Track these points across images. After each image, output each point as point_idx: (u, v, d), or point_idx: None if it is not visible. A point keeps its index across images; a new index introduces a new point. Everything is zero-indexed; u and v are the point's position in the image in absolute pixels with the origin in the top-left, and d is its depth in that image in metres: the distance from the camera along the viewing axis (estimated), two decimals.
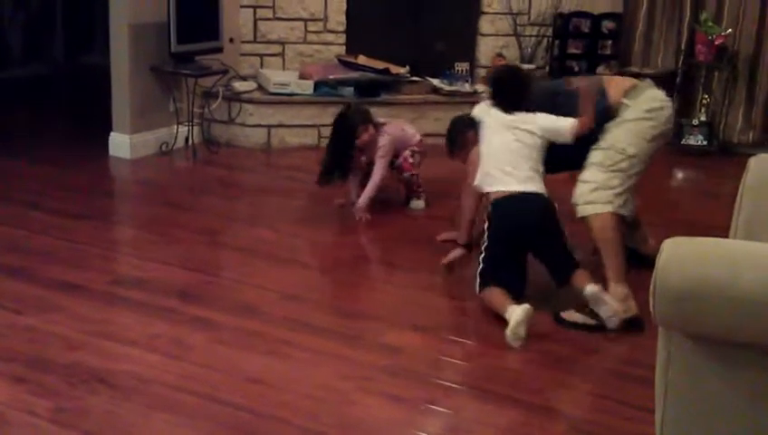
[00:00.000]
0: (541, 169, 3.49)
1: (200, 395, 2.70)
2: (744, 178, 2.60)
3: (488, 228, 3.45)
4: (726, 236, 2.56)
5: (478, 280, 3.41)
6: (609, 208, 3.39)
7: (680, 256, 1.81)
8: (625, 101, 3.48)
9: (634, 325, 3.25)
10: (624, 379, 2.96)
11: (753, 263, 1.77)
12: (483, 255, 3.43)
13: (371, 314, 3.40)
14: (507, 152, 3.47)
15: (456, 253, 3.79)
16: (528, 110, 3.54)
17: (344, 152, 4.48)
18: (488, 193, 3.49)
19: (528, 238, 3.40)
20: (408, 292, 3.62)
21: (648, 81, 3.66)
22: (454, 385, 2.88)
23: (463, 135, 4.00)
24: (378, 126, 4.57)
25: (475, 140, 3.71)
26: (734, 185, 2.63)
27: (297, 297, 3.50)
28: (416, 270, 3.83)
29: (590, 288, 3.22)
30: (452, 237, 3.93)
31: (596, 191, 3.40)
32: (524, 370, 2.99)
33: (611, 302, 3.23)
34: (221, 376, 2.83)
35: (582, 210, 3.43)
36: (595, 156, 3.46)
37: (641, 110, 3.45)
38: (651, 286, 1.81)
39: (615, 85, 3.58)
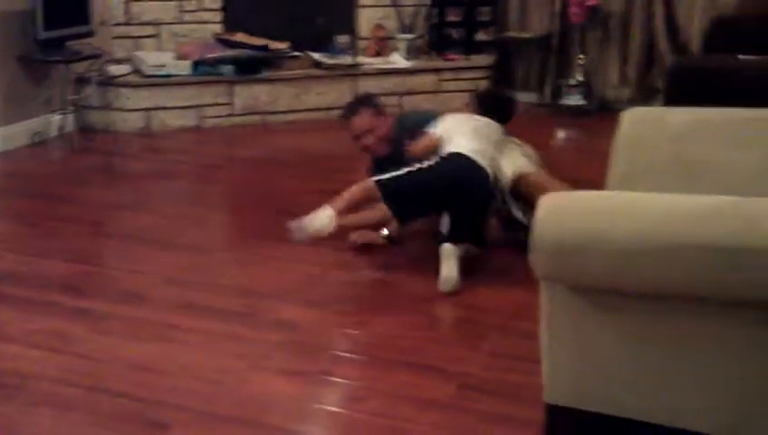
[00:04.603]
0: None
1: (85, 387, 2.60)
2: (617, 133, 2.65)
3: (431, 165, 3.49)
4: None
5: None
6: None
7: (556, 210, 1.83)
8: None
9: None
10: (511, 334, 2.99)
11: (627, 212, 1.80)
12: (407, 172, 3.47)
13: (262, 292, 3.34)
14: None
15: (375, 240, 3.74)
16: None
17: None
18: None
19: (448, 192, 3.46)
20: (299, 267, 3.58)
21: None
22: (348, 355, 2.87)
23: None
24: None
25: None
26: (611, 141, 2.68)
27: (185, 281, 3.43)
28: (305, 244, 3.78)
29: (447, 245, 3.33)
30: (370, 240, 3.75)
31: None
32: (414, 335, 3.00)
33: (447, 268, 3.30)
34: (106, 366, 2.74)
35: None
36: None
37: None
38: (530, 242, 1.83)
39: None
